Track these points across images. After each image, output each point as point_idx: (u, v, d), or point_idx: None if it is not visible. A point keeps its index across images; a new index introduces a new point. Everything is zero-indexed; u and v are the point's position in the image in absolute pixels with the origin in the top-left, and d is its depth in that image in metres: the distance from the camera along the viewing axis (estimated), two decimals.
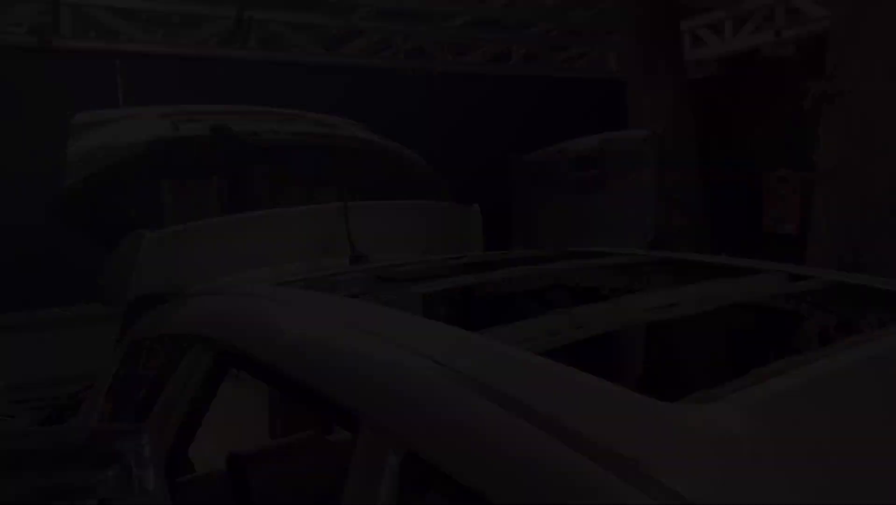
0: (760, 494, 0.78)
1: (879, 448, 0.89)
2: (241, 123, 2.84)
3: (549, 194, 5.82)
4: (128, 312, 2.39)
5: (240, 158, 2.76)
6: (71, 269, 2.44)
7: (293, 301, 1.58)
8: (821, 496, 0.77)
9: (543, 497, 0.84)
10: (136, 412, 1.88)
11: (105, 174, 2.43)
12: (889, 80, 3.50)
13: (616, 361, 2.60)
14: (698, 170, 5.36)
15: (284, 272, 2.36)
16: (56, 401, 2.49)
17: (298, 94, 5.62)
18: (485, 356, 1.16)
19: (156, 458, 1.30)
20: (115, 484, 1.09)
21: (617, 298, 1.56)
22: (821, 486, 0.79)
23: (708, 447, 0.86)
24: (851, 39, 3.55)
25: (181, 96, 4.93)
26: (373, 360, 1.19)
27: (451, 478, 0.96)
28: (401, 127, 6.13)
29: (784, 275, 1.78)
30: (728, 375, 1.06)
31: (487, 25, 7.09)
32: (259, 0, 5.74)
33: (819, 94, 3.72)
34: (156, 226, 2.28)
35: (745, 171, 8.02)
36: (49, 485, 1.07)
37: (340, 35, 6.55)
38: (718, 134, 8.24)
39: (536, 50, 7.34)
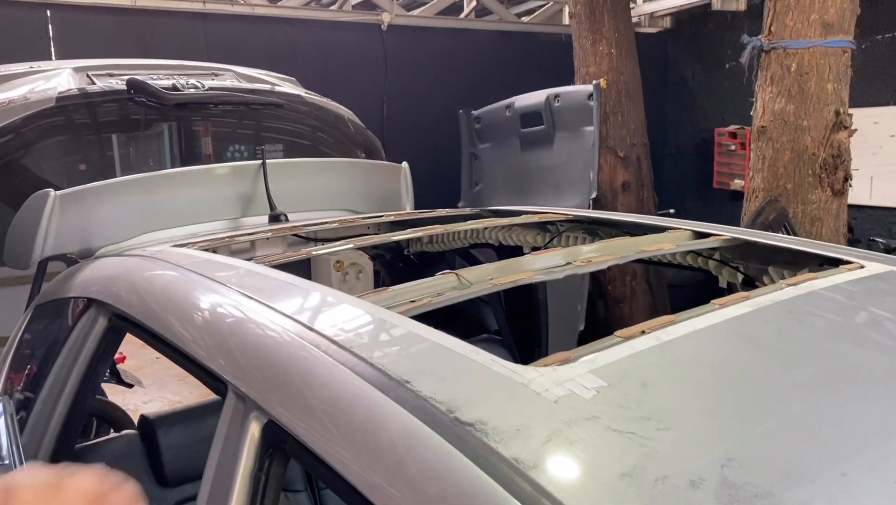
0: (585, 455, 0.78)
1: (722, 410, 0.90)
2: (163, 78, 2.75)
3: (497, 150, 5.78)
4: (36, 275, 2.33)
5: (157, 114, 2.68)
6: None
7: (179, 264, 1.54)
8: (651, 456, 0.78)
9: (384, 465, 0.84)
10: (36, 375, 1.84)
11: (8, 131, 2.34)
12: (823, 34, 3.50)
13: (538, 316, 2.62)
14: (644, 126, 5.36)
15: (200, 232, 2.31)
16: None
17: (233, 46, 5.51)
18: (354, 321, 1.14)
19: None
20: None
21: (515, 258, 1.54)
22: (653, 446, 0.79)
23: (544, 409, 0.85)
24: None
25: (119, 51, 4.80)
26: (238, 325, 1.16)
27: (306, 447, 0.95)
28: (355, 80, 6.09)
29: (688, 233, 1.79)
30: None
31: None
32: None
33: (756, 48, 3.72)
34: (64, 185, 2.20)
35: (700, 128, 8.06)
36: None
37: None
38: (674, 90, 8.25)
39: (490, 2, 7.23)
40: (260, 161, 2.43)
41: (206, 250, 1.79)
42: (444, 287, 1.34)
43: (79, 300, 1.75)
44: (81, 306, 1.72)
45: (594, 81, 4.95)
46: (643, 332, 1.07)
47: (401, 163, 2.87)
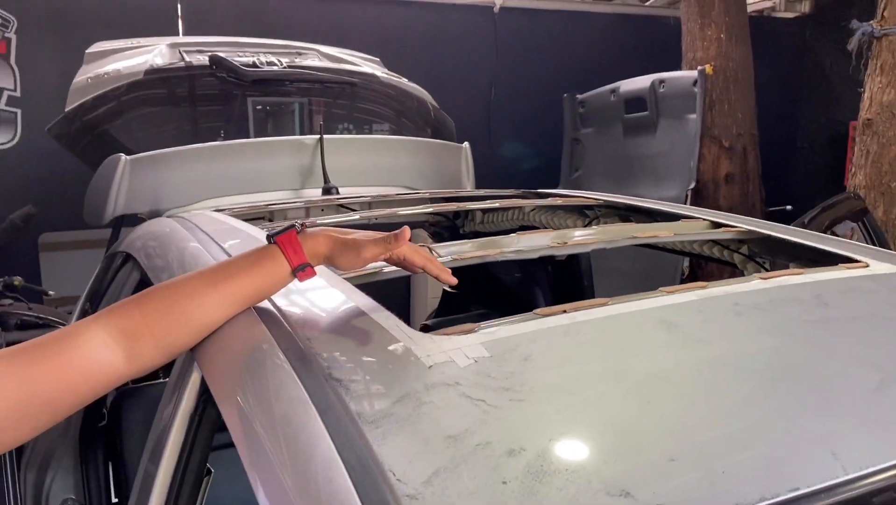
0: (424, 416, 0.82)
1: (590, 391, 0.90)
2: (246, 55, 2.93)
3: (599, 136, 5.68)
4: (112, 231, 2.57)
5: (236, 89, 2.86)
6: None
7: (201, 227, 1.67)
8: (486, 423, 0.80)
9: (255, 409, 0.90)
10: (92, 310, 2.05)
11: (99, 101, 2.58)
12: None
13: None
14: (754, 116, 5.09)
15: (258, 200, 2.47)
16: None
17: (345, 29, 5.70)
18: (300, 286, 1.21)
19: None
20: None
21: (508, 235, 1.56)
22: (495, 414, 0.82)
23: (412, 373, 0.89)
24: None
25: (239, 30, 5.10)
26: None
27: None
28: (464, 63, 6.15)
29: (704, 223, 1.73)
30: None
31: None
32: None
33: (866, 34, 3.46)
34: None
35: (835, 120, 7.55)
36: None
37: None
38: (810, 79, 7.75)
39: None
40: (318, 135, 2.55)
41: (241, 217, 1.92)
42: None
43: (120, 254, 1.93)
44: (121, 260, 1.90)
45: (699, 67, 4.76)
46: (564, 311, 1.07)
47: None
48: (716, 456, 0.77)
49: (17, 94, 5.03)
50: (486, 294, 2.84)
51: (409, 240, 1.10)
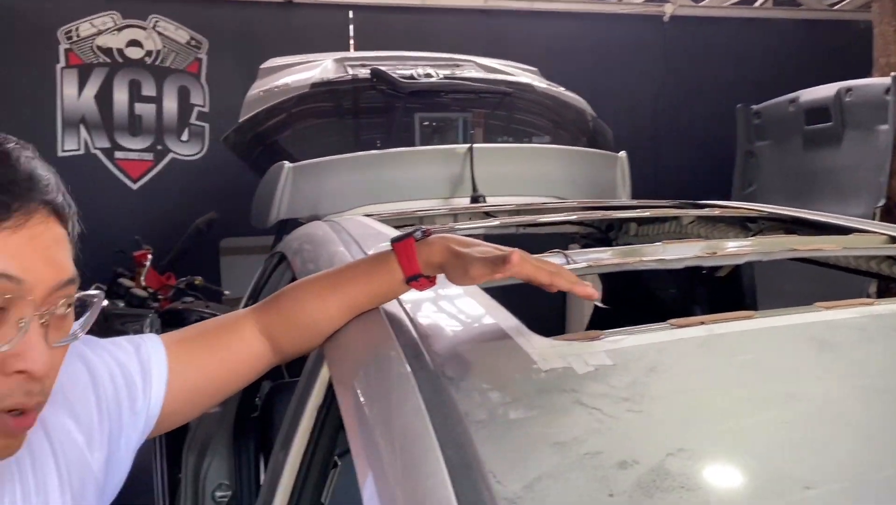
0: (533, 421, 0.78)
1: (716, 409, 0.82)
2: (405, 68, 3.02)
3: (776, 149, 5.32)
4: (276, 234, 2.72)
5: (395, 100, 2.95)
6: None
7: (348, 231, 1.72)
8: (599, 432, 0.75)
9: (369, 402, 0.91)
10: None
11: (269, 112, 2.75)
12: None
13: None
14: None
15: (407, 207, 2.52)
16: None
17: (510, 42, 5.73)
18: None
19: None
20: None
21: (653, 244, 1.48)
22: (609, 424, 0.77)
23: (526, 376, 0.86)
24: None
25: (405, 45, 5.29)
26: None
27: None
28: (630, 73, 5.99)
29: (883, 237, 1.55)
30: None
31: None
32: None
33: None
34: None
35: None
36: None
37: None
38: None
39: None
40: (468, 145, 2.57)
41: (389, 222, 1.97)
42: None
43: (276, 255, 2.04)
44: (276, 260, 2.00)
45: (893, 74, 4.33)
46: (702, 322, 0.99)
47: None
48: (859, 491, 0.68)
49: (206, 109, 5.49)
50: (640, 310, 2.73)
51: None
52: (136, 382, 0.91)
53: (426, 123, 2.95)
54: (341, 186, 2.53)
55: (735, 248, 1.42)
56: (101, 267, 4.43)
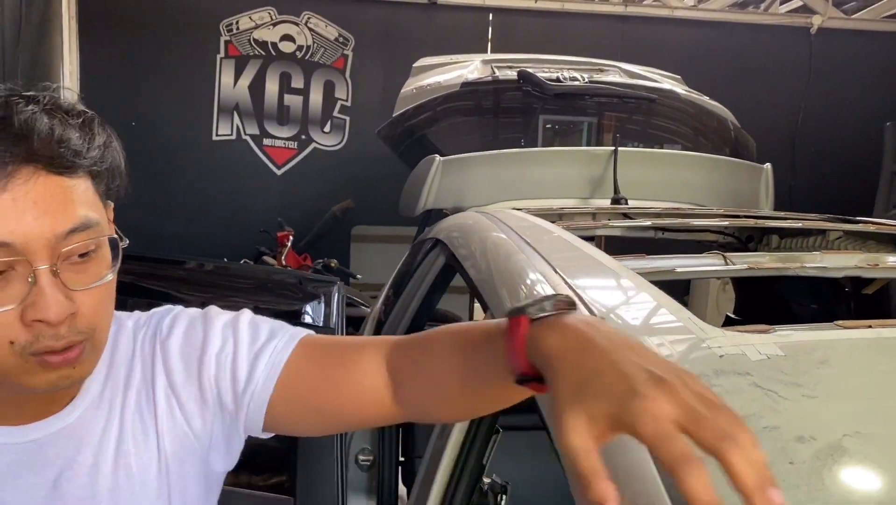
0: None
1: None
2: (551, 71, 3.11)
3: None
4: (420, 222, 2.88)
5: (541, 102, 3.04)
6: None
7: (505, 222, 1.83)
8: (775, 410, 0.82)
9: None
10: (394, 295, 2.33)
11: (420, 108, 2.91)
12: None
13: None
14: None
15: (549, 204, 2.61)
16: None
17: (649, 47, 5.70)
18: (602, 276, 1.29)
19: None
20: (313, 313, 1.54)
21: (811, 252, 1.52)
22: (784, 404, 0.83)
23: (701, 359, 0.94)
24: None
25: (543, 48, 5.38)
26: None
27: None
28: (771, 85, 5.84)
29: None
30: None
31: None
32: None
33: None
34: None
35: None
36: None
37: None
38: None
39: None
40: (613, 147, 2.63)
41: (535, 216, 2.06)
42: (708, 265, 1.41)
43: (429, 240, 2.17)
44: (429, 245, 2.13)
45: None
46: (870, 326, 1.04)
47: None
48: None
49: (349, 103, 5.76)
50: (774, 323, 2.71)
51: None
52: (242, 368, 0.84)
53: (568, 125, 3.03)
54: (486, 181, 2.65)
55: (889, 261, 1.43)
56: (246, 244, 4.77)
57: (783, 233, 2.28)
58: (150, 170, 5.23)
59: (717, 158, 2.82)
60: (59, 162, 0.72)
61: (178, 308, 0.91)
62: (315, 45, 5.66)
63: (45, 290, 0.70)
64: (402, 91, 3.14)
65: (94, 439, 0.82)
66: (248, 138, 5.68)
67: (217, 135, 5.65)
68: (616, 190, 2.62)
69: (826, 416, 0.82)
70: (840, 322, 1.05)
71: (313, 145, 5.77)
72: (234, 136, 5.67)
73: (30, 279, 0.70)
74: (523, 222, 1.83)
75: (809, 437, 0.78)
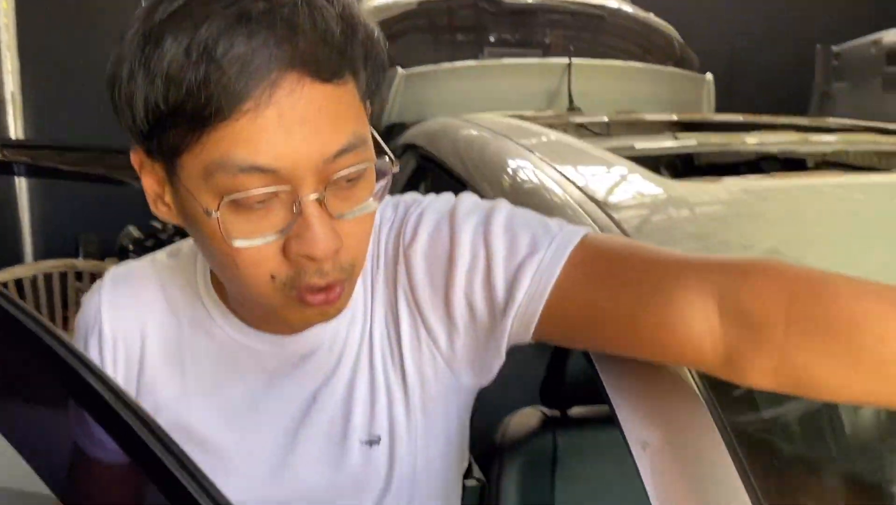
0: None
1: None
2: None
3: (854, 91, 5.35)
4: (383, 138, 2.98)
5: (496, 19, 3.15)
6: None
7: (482, 123, 1.94)
8: None
9: None
10: None
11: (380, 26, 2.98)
12: None
13: None
14: None
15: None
16: None
17: None
18: (582, 157, 1.40)
19: None
20: None
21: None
22: None
23: None
24: None
25: None
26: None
27: None
28: (710, 9, 5.99)
29: None
30: None
31: None
32: None
33: None
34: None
35: None
36: None
37: None
38: None
39: None
40: (567, 60, 2.77)
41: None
42: (665, 141, 1.55)
43: (399, 148, 2.30)
44: (399, 153, 2.25)
45: None
46: (801, 177, 1.22)
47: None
48: None
49: None
50: None
51: None
52: (500, 288, 0.72)
53: (520, 42, 3.15)
54: (449, 93, 2.77)
55: (821, 139, 1.61)
56: None
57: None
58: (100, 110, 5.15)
59: (663, 69, 2.99)
60: (325, 66, 0.61)
61: (427, 200, 0.79)
62: None
63: (312, 221, 0.63)
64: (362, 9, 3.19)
65: (351, 354, 0.79)
66: None
67: None
68: (571, 101, 2.77)
69: (765, 233, 1.00)
70: (775, 174, 1.23)
71: None
72: None
73: (294, 208, 0.63)
74: (492, 120, 1.96)
75: (751, 245, 0.95)
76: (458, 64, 2.78)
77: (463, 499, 0.96)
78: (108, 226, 4.02)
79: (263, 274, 0.65)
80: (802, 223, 1.03)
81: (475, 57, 3.00)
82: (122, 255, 3.66)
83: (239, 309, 0.78)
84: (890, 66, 4.97)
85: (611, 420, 0.72)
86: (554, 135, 1.59)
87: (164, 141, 0.63)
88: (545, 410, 1.48)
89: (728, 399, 0.70)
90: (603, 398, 0.75)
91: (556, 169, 1.17)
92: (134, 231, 3.74)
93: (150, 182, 0.69)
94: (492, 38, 3.07)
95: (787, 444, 0.76)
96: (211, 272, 0.79)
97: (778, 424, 0.77)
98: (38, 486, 1.52)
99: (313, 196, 0.63)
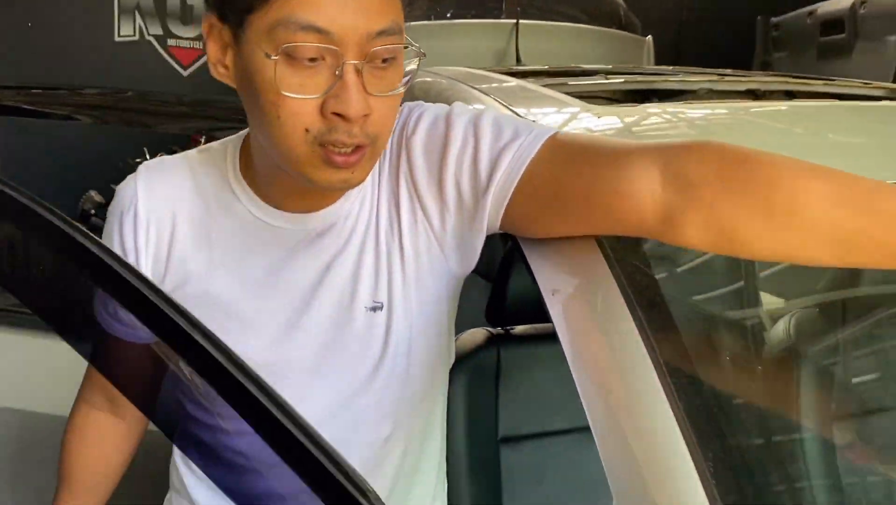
0: None
1: None
2: None
3: (791, 60, 5.58)
4: None
5: None
6: None
7: (437, 72, 2.05)
8: None
9: None
10: None
11: None
12: None
13: None
14: None
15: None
16: None
17: None
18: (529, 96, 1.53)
19: None
20: None
21: None
22: None
23: None
24: None
25: None
26: None
27: None
28: None
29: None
30: None
31: None
32: None
33: None
34: None
35: None
36: None
37: None
38: None
39: None
40: (514, 20, 2.91)
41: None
42: (597, 80, 1.69)
43: None
44: None
45: None
46: (715, 107, 1.37)
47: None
48: None
49: None
50: None
51: None
52: (484, 167, 0.82)
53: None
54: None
55: (737, 79, 1.78)
56: (157, 147, 4.81)
57: None
58: (51, 73, 5.13)
59: (606, 31, 3.15)
60: None
61: (427, 104, 0.90)
62: None
63: (350, 85, 0.73)
64: None
65: (360, 231, 0.88)
66: (151, 39, 5.62)
67: (119, 36, 5.56)
68: (518, 60, 2.91)
69: (684, 132, 1.15)
70: (690, 101, 1.38)
71: None
72: (136, 37, 5.60)
73: (337, 72, 0.73)
74: (448, 69, 2.08)
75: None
76: (410, 24, 2.89)
77: None
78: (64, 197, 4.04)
79: (300, 126, 0.75)
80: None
81: (431, 17, 3.11)
82: (84, 219, 3.69)
83: (266, 188, 0.88)
84: (824, 37, 5.19)
85: (549, 337, 0.81)
86: (508, 80, 1.72)
87: (238, 1, 0.75)
88: (490, 329, 1.62)
89: (623, 252, 0.81)
90: (528, 274, 0.86)
91: (511, 110, 1.23)
92: (95, 196, 3.77)
93: (215, 48, 0.81)
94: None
95: (674, 290, 0.90)
96: (240, 161, 0.90)
97: (671, 276, 0.92)
98: (32, 405, 1.60)
99: (355, 62, 0.73)
